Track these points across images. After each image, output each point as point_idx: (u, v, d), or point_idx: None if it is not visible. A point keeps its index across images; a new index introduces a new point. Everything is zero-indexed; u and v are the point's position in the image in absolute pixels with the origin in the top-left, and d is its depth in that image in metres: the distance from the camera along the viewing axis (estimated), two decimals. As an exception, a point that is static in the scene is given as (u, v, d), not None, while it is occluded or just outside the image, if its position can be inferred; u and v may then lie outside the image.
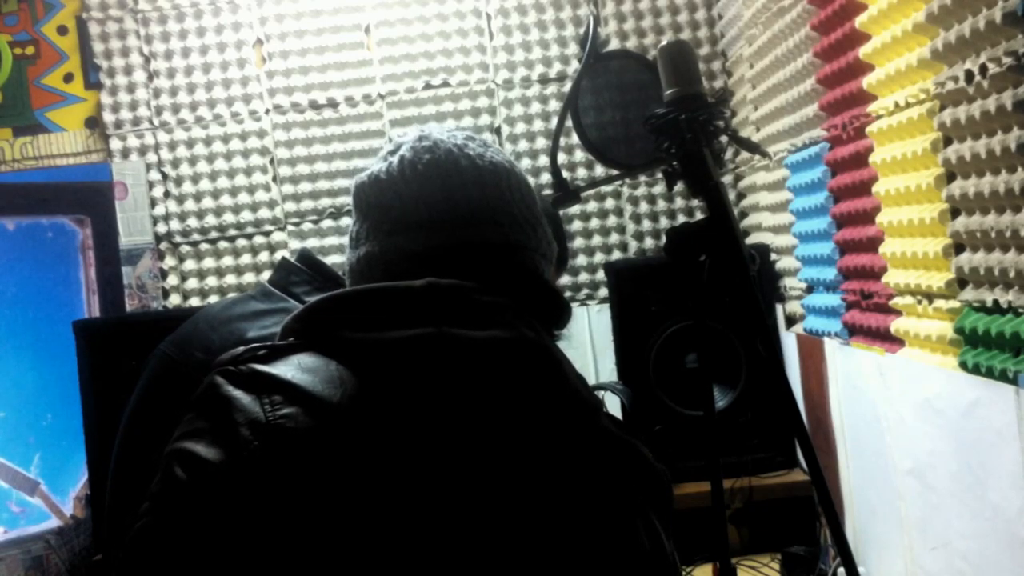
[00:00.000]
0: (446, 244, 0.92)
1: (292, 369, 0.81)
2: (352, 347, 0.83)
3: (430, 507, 0.78)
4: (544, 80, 2.87)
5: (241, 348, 0.84)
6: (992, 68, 1.21)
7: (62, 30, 2.88)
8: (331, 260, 2.78)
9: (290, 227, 2.86)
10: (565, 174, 1.39)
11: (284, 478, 0.75)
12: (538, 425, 0.83)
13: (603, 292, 2.80)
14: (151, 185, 2.86)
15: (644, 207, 2.86)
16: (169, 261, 2.86)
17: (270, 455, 0.76)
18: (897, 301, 1.62)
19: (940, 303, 1.45)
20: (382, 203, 0.95)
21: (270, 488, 0.75)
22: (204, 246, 2.87)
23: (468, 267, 0.90)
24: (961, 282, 1.39)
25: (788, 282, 2.36)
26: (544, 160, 2.84)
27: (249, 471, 0.76)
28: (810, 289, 2.17)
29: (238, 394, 0.79)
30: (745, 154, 2.65)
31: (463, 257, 0.91)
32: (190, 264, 2.86)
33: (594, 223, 2.86)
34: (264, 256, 2.86)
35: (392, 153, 0.98)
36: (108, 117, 2.86)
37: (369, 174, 0.98)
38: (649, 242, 2.85)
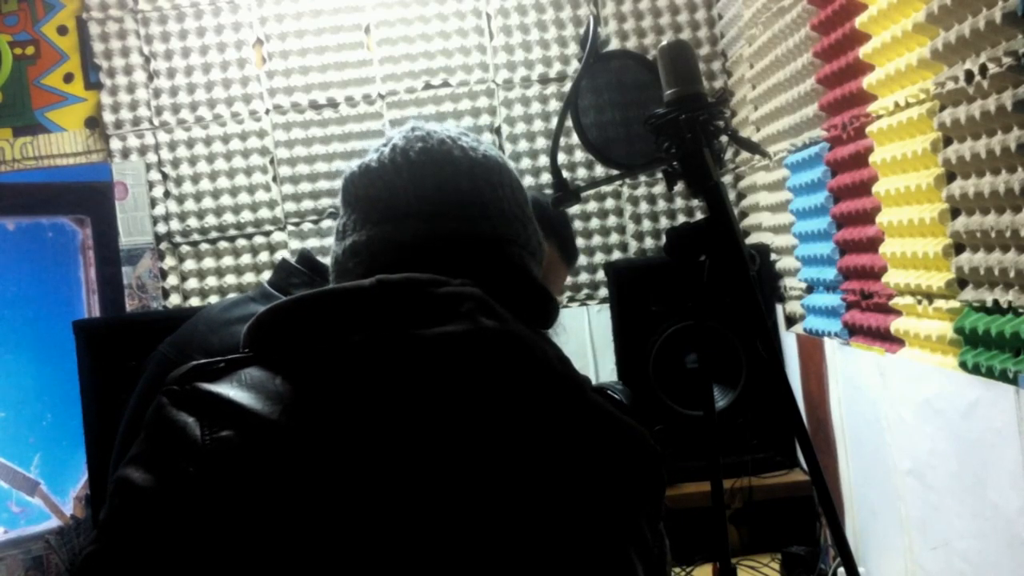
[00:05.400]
0: (434, 234, 0.90)
1: (235, 387, 0.79)
2: (297, 359, 0.80)
3: (376, 520, 0.74)
4: (544, 80, 2.87)
5: (191, 364, 0.81)
6: (992, 68, 1.21)
7: (62, 30, 2.88)
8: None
9: (290, 227, 2.86)
10: (565, 174, 1.39)
11: (219, 502, 0.73)
12: (505, 415, 0.79)
13: (603, 292, 2.80)
14: (151, 185, 2.86)
15: (644, 207, 2.86)
16: (169, 261, 2.86)
17: (204, 479, 0.74)
18: (897, 301, 1.62)
19: (940, 303, 1.45)
20: (370, 194, 0.94)
21: (205, 513, 0.73)
22: (204, 246, 2.87)
23: (453, 259, 0.88)
24: (961, 282, 1.39)
25: (788, 282, 2.36)
26: (544, 160, 2.84)
27: (182, 497, 0.74)
28: (810, 289, 2.17)
29: (179, 416, 0.77)
30: (745, 154, 2.65)
31: (449, 249, 0.90)
32: (190, 264, 2.86)
33: (594, 223, 2.86)
34: (264, 256, 2.86)
35: (384, 145, 0.97)
36: (108, 117, 2.86)
37: (360, 164, 0.96)
38: (649, 242, 2.85)
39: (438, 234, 0.90)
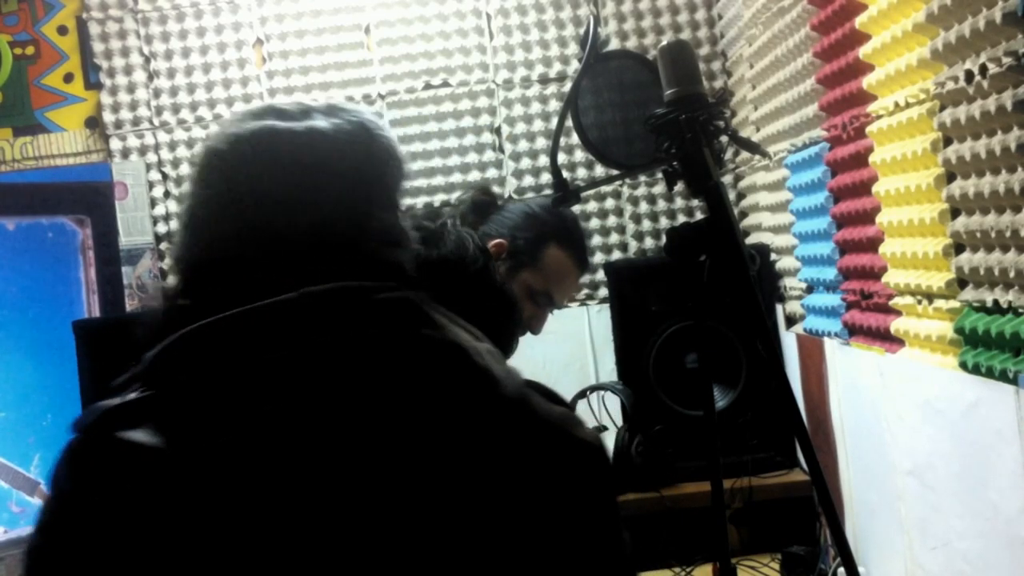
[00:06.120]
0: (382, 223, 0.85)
1: (143, 431, 0.73)
2: (216, 390, 0.74)
3: (309, 555, 0.72)
4: (544, 80, 2.87)
5: (97, 407, 0.76)
6: (992, 68, 1.20)
7: (62, 30, 2.88)
8: (331, 260, 2.78)
9: (290, 227, 2.86)
10: (565, 174, 1.39)
11: (138, 563, 0.71)
12: (447, 428, 0.75)
13: (603, 292, 2.80)
14: (151, 185, 2.86)
15: (644, 207, 2.86)
16: (169, 261, 2.86)
17: (117, 541, 0.71)
18: (897, 301, 1.62)
19: (940, 303, 1.45)
20: (303, 160, 0.84)
21: (104, 564, 0.71)
22: (204, 246, 2.86)
23: (386, 254, 0.84)
24: (961, 282, 1.39)
25: (788, 282, 2.36)
26: (544, 160, 2.83)
27: (76, 549, 0.71)
28: (810, 289, 2.17)
29: (86, 466, 0.74)
30: (745, 154, 2.65)
31: (388, 241, 0.85)
32: (190, 264, 2.86)
33: (594, 223, 2.85)
34: (264, 256, 2.86)
35: (317, 112, 0.90)
36: (108, 117, 2.86)
37: (306, 127, 0.86)
38: (649, 242, 2.85)
39: (371, 223, 0.85)
